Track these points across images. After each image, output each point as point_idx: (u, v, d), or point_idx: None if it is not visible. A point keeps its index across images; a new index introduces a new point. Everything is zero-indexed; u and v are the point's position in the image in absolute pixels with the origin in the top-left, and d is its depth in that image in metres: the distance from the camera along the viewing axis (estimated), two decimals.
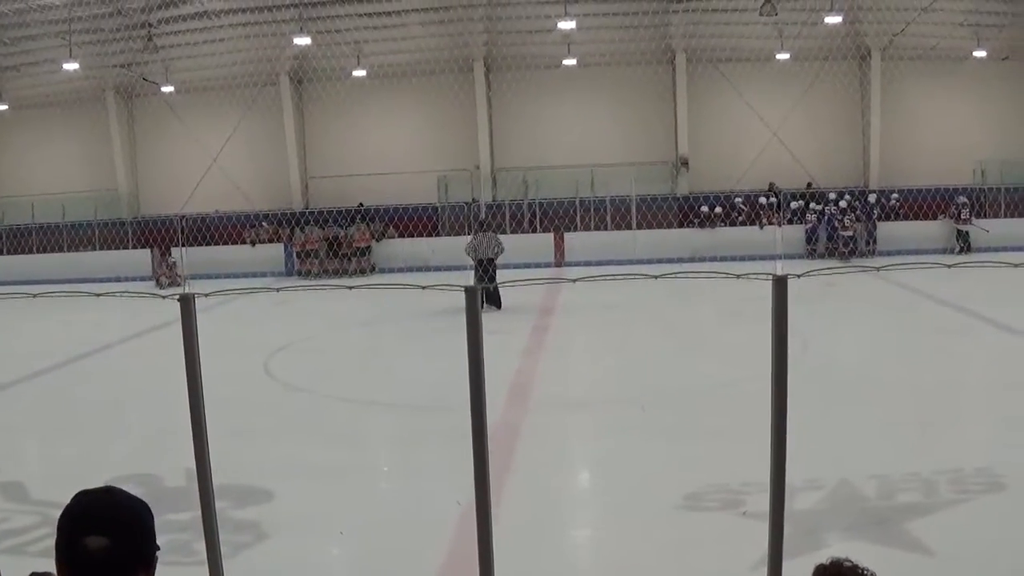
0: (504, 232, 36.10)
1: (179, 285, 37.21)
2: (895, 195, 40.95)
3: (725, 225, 40.88)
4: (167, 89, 43.16)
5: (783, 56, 41.20)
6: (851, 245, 39.44)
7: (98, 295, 7.20)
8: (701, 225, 40.70)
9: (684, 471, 11.71)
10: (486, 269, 27.65)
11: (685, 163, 42.93)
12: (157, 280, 39.21)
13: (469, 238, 29.50)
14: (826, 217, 40.00)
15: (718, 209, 41.13)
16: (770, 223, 40.38)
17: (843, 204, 40.11)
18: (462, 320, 5.40)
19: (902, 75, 41.52)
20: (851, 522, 9.69)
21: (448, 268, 34.57)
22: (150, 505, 3.38)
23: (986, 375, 17.01)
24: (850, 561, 3.80)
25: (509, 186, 43.29)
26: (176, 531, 9.45)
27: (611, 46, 41.53)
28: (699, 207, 41.30)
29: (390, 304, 27.98)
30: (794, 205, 40.80)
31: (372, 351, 23.08)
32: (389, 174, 42.81)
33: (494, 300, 27.32)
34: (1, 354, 21.87)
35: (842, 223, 39.68)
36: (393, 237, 41.48)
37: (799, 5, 37.77)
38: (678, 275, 6.52)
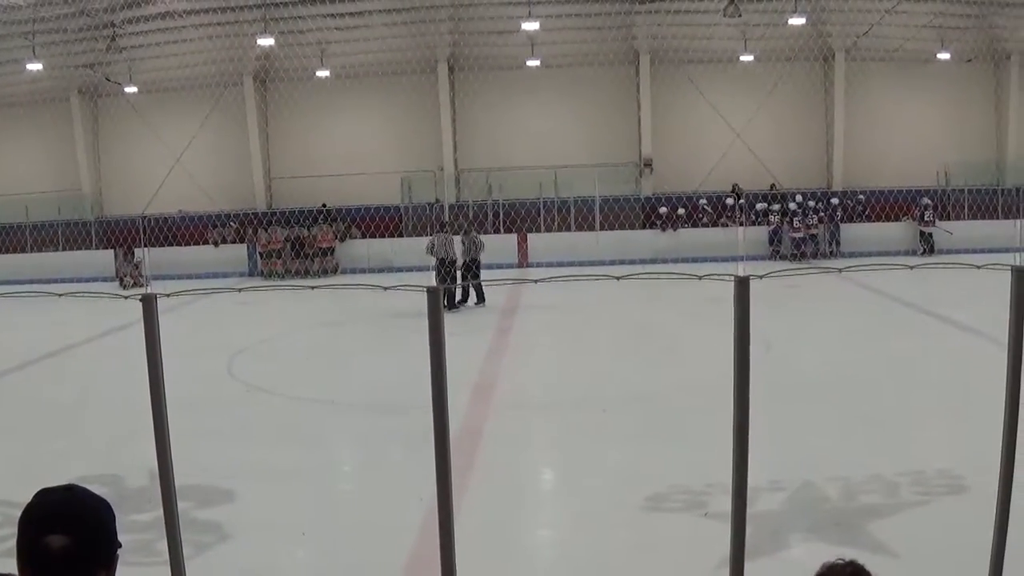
0: (467, 234, 36.08)
1: (143, 285, 37.06)
2: (861, 196, 41.14)
3: (687, 227, 40.93)
4: (131, 89, 42.99)
5: (747, 58, 41.35)
6: (801, 247, 39.57)
7: (60, 295, 7.17)
8: (663, 227, 40.73)
9: (646, 472, 11.73)
10: (448, 269, 27.70)
11: (649, 164, 42.95)
12: (121, 280, 39.08)
13: (429, 238, 29.53)
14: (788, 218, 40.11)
15: (681, 211, 41.21)
16: (731, 223, 40.51)
17: (792, 206, 40.26)
18: (425, 321, 5.40)
19: (866, 77, 41.75)
20: (813, 523, 9.71)
21: (411, 269, 34.56)
22: (113, 505, 3.36)
23: (948, 376, 17.06)
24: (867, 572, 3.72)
25: (473, 187, 43.29)
26: (139, 531, 9.42)
27: (575, 47, 41.63)
28: (658, 208, 41.40)
29: (353, 305, 27.95)
30: (759, 207, 40.86)
31: (335, 352, 23.06)
32: (353, 175, 42.74)
33: (459, 298, 27.70)
34: None
35: (791, 224, 39.83)
36: (356, 237, 41.49)
37: (763, 7, 37.89)
38: (641, 276, 6.51)
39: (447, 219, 35.25)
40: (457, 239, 28.81)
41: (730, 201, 41.49)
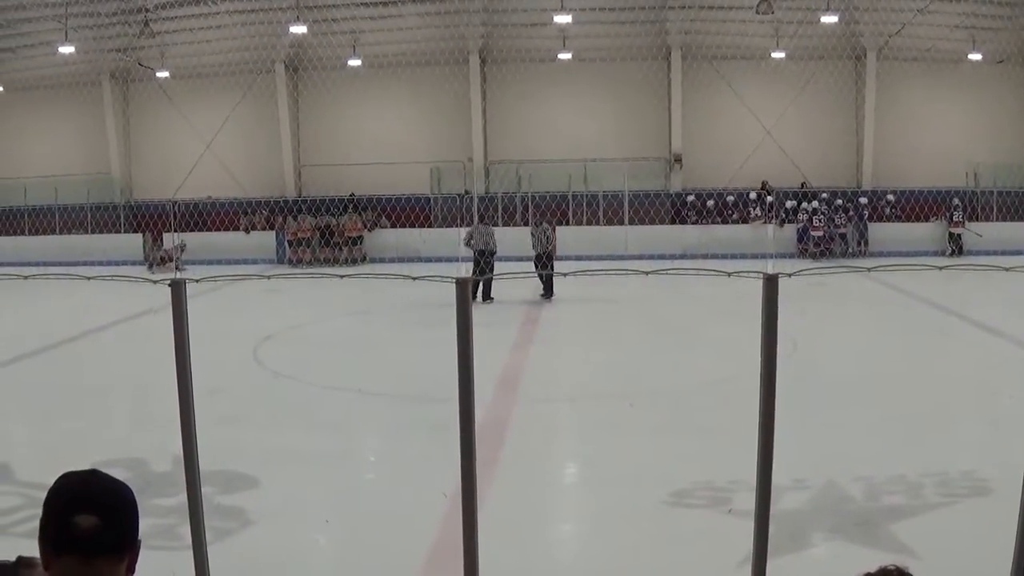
0: (496, 225, 36.02)
1: (176, 268, 37.07)
2: (890, 196, 41.06)
3: (719, 222, 40.94)
4: (162, 75, 43.19)
5: (779, 55, 41.17)
6: (821, 245, 39.63)
7: (89, 278, 7.19)
8: (696, 220, 40.84)
9: (671, 468, 11.71)
10: (487, 261, 27.67)
11: (678, 160, 42.93)
12: (150, 265, 39.15)
13: (467, 229, 29.50)
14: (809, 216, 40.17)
15: (710, 203, 41.30)
16: (759, 218, 40.55)
17: (815, 204, 40.33)
18: (451, 311, 5.40)
19: (897, 76, 41.62)
20: (837, 523, 9.68)
21: (439, 259, 34.62)
22: (137, 490, 3.37)
23: (974, 378, 16.97)
24: None
25: (502, 179, 43.32)
26: (162, 515, 9.46)
27: (607, 41, 41.55)
28: (689, 198, 41.60)
29: (381, 294, 28.01)
30: (789, 204, 40.85)
31: (362, 340, 23.06)
32: (382, 164, 42.73)
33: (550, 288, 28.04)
34: None
35: (811, 223, 39.86)
36: (385, 227, 41.54)
37: (796, 4, 37.81)
38: (670, 271, 6.51)
39: (476, 210, 35.22)
40: (493, 230, 28.82)
41: (753, 195, 41.44)
